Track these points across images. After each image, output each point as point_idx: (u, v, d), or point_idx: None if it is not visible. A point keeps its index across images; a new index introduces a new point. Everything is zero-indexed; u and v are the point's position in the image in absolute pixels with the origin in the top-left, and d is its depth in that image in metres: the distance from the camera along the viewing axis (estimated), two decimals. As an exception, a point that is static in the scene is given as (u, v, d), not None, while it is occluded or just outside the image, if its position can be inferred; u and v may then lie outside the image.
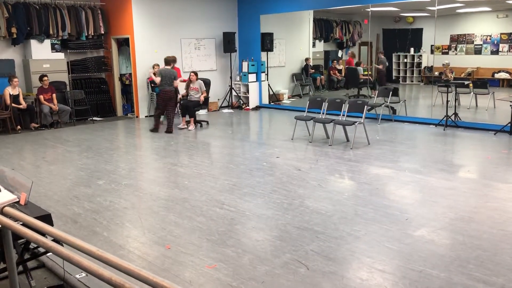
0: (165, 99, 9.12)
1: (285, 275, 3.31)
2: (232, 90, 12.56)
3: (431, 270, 3.31)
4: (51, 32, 10.06)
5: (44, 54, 10.02)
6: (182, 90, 9.88)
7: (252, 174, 6.02)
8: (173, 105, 9.40)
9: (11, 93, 9.21)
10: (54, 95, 9.74)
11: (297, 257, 3.57)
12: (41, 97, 9.54)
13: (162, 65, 11.08)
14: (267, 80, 12.64)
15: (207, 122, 10.00)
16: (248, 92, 12.38)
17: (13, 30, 9.52)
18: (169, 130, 9.07)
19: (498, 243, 3.74)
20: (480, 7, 11.82)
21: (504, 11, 12.14)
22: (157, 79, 9.10)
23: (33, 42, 9.87)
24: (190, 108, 9.45)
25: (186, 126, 9.52)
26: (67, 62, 10.53)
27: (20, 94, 9.45)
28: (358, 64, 12.54)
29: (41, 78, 9.53)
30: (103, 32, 10.99)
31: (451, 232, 4.02)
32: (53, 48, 10.20)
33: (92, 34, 10.80)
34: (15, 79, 9.32)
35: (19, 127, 9.43)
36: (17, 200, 3.25)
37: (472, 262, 3.43)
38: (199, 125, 9.74)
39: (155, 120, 9.40)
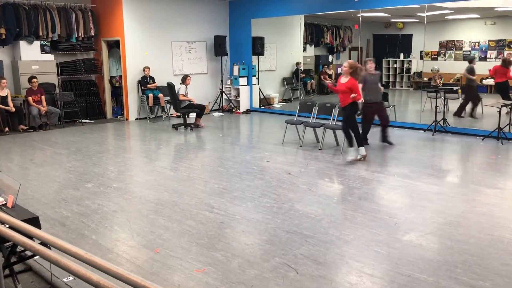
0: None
1: (274, 279, 3.31)
2: (223, 93, 12.56)
3: (419, 275, 3.33)
4: (40, 33, 9.98)
5: (33, 56, 9.93)
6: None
7: (242, 177, 6.02)
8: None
9: (-1, 95, 9.14)
10: (43, 96, 9.66)
11: (286, 261, 3.58)
12: (30, 98, 9.45)
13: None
14: (258, 84, 12.66)
15: (198, 126, 9.99)
16: (238, 96, 12.39)
17: (2, 31, 9.43)
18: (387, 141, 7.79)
19: (486, 248, 3.78)
20: (468, 14, 11.97)
21: (492, 18, 12.33)
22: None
23: (22, 43, 9.78)
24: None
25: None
26: (57, 64, 10.45)
27: (8, 95, 9.35)
28: None
29: (30, 80, 9.44)
30: (93, 34, 10.92)
31: (439, 236, 4.05)
32: (42, 49, 10.12)
33: (82, 36, 10.73)
34: (4, 81, 9.22)
35: (7, 128, 9.32)
36: (4, 202, 3.22)
37: (459, 266, 3.46)
38: (189, 128, 9.73)
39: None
